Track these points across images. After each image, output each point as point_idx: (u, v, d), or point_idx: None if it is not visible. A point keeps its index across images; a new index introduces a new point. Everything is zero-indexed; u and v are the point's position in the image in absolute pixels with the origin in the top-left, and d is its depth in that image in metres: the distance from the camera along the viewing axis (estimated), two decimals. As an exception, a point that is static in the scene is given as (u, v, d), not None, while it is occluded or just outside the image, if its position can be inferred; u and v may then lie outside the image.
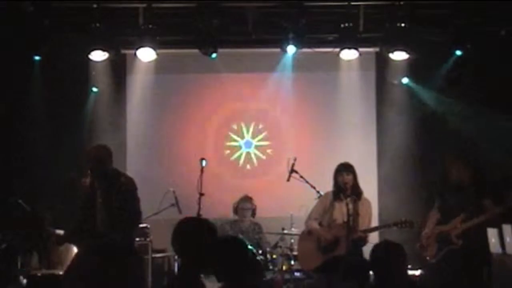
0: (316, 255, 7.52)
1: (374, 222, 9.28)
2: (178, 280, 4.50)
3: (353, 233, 7.27)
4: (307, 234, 7.69)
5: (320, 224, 7.67)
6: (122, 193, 6.72)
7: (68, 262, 7.27)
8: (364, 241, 7.40)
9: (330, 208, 7.59)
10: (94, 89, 9.84)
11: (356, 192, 7.49)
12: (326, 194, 7.66)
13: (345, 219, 7.34)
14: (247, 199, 8.73)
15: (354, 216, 7.34)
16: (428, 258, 7.47)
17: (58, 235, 7.39)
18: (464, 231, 7.26)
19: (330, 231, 7.50)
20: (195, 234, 4.37)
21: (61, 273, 7.56)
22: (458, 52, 9.31)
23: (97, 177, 6.71)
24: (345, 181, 7.45)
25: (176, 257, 8.64)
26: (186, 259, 4.36)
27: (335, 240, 7.43)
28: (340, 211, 7.48)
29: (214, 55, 9.38)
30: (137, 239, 8.52)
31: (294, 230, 8.59)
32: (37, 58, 9.36)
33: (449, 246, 7.30)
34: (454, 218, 7.37)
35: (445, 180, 7.56)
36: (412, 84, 9.80)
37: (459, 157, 7.52)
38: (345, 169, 7.53)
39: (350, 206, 7.33)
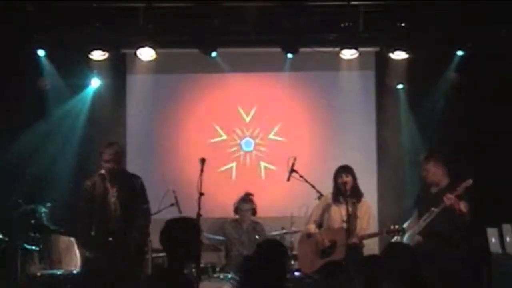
0: (314, 259, 7.55)
1: (374, 224, 9.33)
2: (165, 274, 4.75)
3: (351, 237, 7.30)
4: (306, 237, 7.71)
5: (319, 226, 7.68)
6: (138, 192, 6.76)
7: (68, 261, 7.27)
8: (359, 246, 7.41)
9: (329, 210, 7.62)
10: (94, 87, 9.82)
11: (355, 195, 7.50)
12: (326, 196, 7.68)
13: (344, 222, 7.38)
14: (247, 199, 8.72)
15: (352, 219, 7.35)
16: None
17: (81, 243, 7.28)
18: (426, 227, 7.20)
19: (328, 235, 7.52)
20: (182, 233, 4.66)
21: (61, 273, 7.56)
22: (460, 52, 9.32)
23: (112, 175, 6.70)
24: (344, 183, 7.47)
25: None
26: (173, 256, 4.64)
27: (332, 244, 7.45)
28: (339, 214, 7.51)
29: (214, 53, 9.40)
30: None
31: (294, 229, 8.60)
32: (41, 53, 9.36)
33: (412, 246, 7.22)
34: None
35: (422, 183, 7.54)
36: (403, 93, 9.82)
37: (432, 156, 7.48)
38: (344, 171, 7.54)
39: (349, 208, 7.35)
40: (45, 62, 9.46)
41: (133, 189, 6.78)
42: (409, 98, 9.85)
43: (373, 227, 8.18)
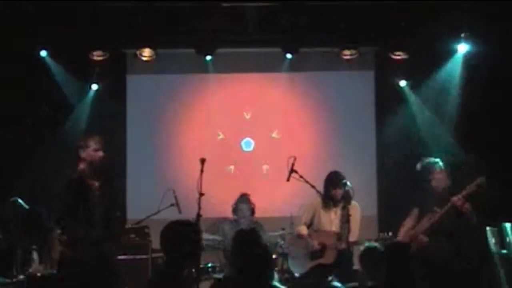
0: (304, 261, 7.58)
1: (374, 223, 9.33)
2: (165, 273, 4.76)
3: (341, 242, 7.34)
4: (296, 238, 7.75)
5: (309, 227, 7.73)
6: (115, 188, 6.76)
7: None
8: (349, 251, 7.46)
9: (319, 213, 7.66)
10: (94, 87, 9.82)
11: (345, 199, 7.54)
12: (316, 200, 7.71)
13: (333, 227, 7.43)
14: (244, 199, 8.69)
15: (343, 223, 7.40)
16: None
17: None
18: (431, 227, 7.18)
19: (318, 238, 7.56)
20: (181, 237, 4.72)
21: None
22: (462, 47, 9.31)
23: (96, 170, 6.65)
24: (336, 194, 7.52)
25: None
26: (171, 258, 4.71)
27: (322, 248, 7.49)
28: (329, 218, 7.57)
29: (208, 57, 9.42)
30: (137, 238, 8.58)
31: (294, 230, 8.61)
32: (43, 54, 9.36)
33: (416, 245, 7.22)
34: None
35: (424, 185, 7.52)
36: (407, 90, 9.81)
37: (436, 165, 7.46)
38: (337, 181, 7.55)
39: (339, 212, 7.42)
40: (50, 62, 9.48)
41: (113, 184, 6.77)
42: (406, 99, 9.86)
43: (372, 228, 8.20)
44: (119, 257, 7.32)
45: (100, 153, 6.61)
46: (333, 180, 7.58)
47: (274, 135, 10.15)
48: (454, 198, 7.06)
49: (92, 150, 6.62)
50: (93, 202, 6.56)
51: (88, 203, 6.56)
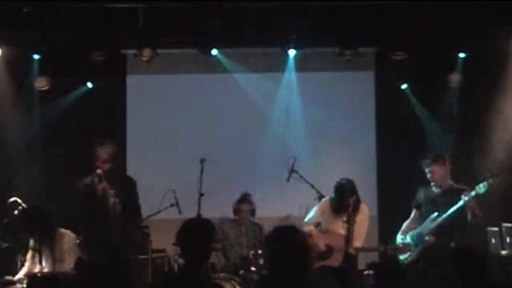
0: None
1: (374, 226, 9.34)
2: (183, 276, 4.64)
3: (349, 246, 7.36)
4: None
5: (317, 226, 7.76)
6: (132, 192, 6.76)
7: (70, 261, 7.26)
8: (355, 256, 7.48)
9: (328, 216, 7.67)
10: (90, 85, 9.82)
11: (355, 204, 7.55)
12: (326, 201, 7.71)
13: (342, 231, 7.44)
14: (245, 200, 8.71)
15: (351, 226, 7.41)
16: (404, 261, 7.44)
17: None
18: (437, 226, 7.18)
19: (325, 239, 7.57)
20: (201, 234, 4.64)
21: (61, 273, 7.55)
22: (462, 55, 9.31)
23: (110, 176, 6.66)
24: (349, 202, 7.52)
25: (176, 257, 8.66)
26: (191, 257, 4.58)
27: (329, 249, 7.51)
28: (337, 223, 7.58)
29: (208, 57, 9.41)
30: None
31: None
32: (36, 57, 9.37)
33: (421, 245, 7.22)
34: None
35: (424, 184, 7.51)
36: (409, 93, 9.81)
37: (440, 157, 7.46)
38: (349, 189, 7.55)
39: (349, 216, 7.44)
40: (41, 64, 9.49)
41: (130, 190, 6.77)
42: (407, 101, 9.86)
43: (372, 228, 8.21)
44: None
45: (107, 165, 6.63)
46: (346, 189, 7.57)
47: (274, 135, 10.14)
48: (465, 199, 7.03)
49: (102, 162, 6.65)
50: (108, 208, 6.58)
51: (103, 208, 6.58)
